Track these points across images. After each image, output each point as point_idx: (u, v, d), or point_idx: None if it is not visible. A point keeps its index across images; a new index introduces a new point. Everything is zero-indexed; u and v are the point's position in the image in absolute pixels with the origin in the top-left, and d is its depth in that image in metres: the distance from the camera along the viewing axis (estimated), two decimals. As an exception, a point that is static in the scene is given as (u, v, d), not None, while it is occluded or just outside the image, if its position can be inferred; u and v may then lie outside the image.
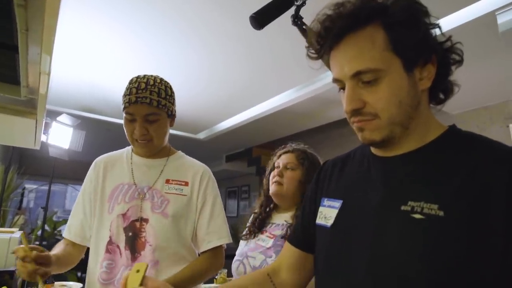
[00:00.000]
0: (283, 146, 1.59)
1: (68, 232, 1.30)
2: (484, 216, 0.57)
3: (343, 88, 0.71)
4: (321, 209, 0.82)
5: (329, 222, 0.77)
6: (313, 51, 0.75)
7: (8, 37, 0.87)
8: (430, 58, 0.68)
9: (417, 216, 0.62)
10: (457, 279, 0.57)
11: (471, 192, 0.60)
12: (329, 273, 0.75)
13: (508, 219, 0.56)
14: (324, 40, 0.70)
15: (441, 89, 0.73)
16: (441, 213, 0.60)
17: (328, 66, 0.76)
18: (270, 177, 1.51)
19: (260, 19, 1.06)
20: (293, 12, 1.10)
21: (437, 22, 0.69)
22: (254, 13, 1.06)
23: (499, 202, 0.57)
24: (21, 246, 1.00)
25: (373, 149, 0.78)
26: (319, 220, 0.81)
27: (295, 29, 1.12)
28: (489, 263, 0.56)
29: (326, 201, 0.82)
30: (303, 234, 0.89)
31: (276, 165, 1.52)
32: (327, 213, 0.79)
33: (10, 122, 1.54)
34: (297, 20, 1.10)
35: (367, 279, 0.65)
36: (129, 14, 2.39)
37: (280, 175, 1.46)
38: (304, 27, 1.10)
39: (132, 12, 2.36)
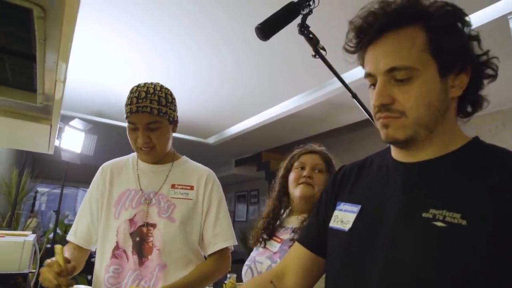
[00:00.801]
0: (301, 146, 1.50)
1: (74, 235, 1.32)
2: (506, 229, 0.57)
3: (373, 84, 0.71)
4: (336, 213, 0.82)
5: (347, 226, 0.76)
6: (351, 44, 0.75)
7: (26, 46, 0.89)
8: (466, 67, 0.68)
9: (439, 224, 0.61)
10: None
11: (495, 204, 0.59)
12: (345, 276, 0.74)
13: None
14: (364, 35, 0.71)
15: (471, 102, 0.73)
16: (464, 222, 0.59)
17: (361, 61, 0.76)
18: (293, 178, 1.41)
19: (266, 30, 1.06)
20: (300, 21, 1.11)
21: (478, 34, 0.70)
22: (260, 24, 1.06)
23: None
24: (53, 259, 1.03)
25: (394, 154, 0.78)
26: (334, 224, 0.80)
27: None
28: (508, 276, 0.56)
29: (342, 205, 0.81)
30: (318, 236, 0.87)
31: (298, 165, 1.42)
32: (344, 217, 0.79)
33: (26, 127, 1.58)
34: (303, 30, 1.10)
35: (382, 284, 0.65)
36: (142, 21, 2.42)
37: (311, 176, 1.36)
38: (310, 35, 1.10)
39: (145, 18, 2.39)
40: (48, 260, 1.03)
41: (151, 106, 1.22)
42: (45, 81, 1.11)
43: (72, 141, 3.81)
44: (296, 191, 1.38)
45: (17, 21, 0.80)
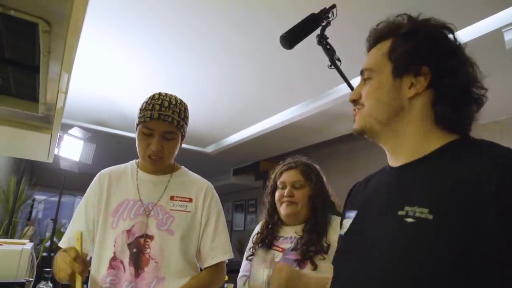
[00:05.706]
0: (281, 163, 1.56)
1: (67, 243, 1.29)
2: (472, 222, 0.58)
3: None
4: (343, 221, 0.89)
5: (343, 231, 0.84)
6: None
7: (30, 58, 0.91)
8: (420, 70, 0.74)
9: (409, 219, 0.65)
10: (440, 282, 0.59)
11: (461, 198, 0.61)
12: (336, 277, 0.82)
13: (496, 230, 0.56)
14: (367, 47, 0.87)
15: (444, 109, 0.74)
16: (430, 217, 0.62)
17: None
18: (277, 197, 1.48)
19: (292, 39, 1.11)
20: (319, 32, 1.15)
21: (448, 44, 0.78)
22: (285, 33, 1.11)
23: (489, 212, 0.57)
24: (72, 246, 1.06)
25: (388, 161, 0.84)
26: (340, 231, 0.88)
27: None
28: (475, 268, 0.57)
29: (346, 214, 0.88)
30: None
31: (280, 184, 1.49)
32: (345, 223, 0.86)
33: (26, 136, 1.59)
34: (322, 40, 1.14)
35: (361, 282, 0.70)
36: (142, 31, 2.45)
37: (291, 195, 1.43)
38: (328, 46, 1.14)
39: (145, 28, 2.42)
40: (63, 248, 1.06)
41: (173, 117, 1.25)
42: (48, 91, 1.13)
43: (71, 149, 3.80)
44: (281, 210, 1.46)
45: (23, 34, 0.82)
